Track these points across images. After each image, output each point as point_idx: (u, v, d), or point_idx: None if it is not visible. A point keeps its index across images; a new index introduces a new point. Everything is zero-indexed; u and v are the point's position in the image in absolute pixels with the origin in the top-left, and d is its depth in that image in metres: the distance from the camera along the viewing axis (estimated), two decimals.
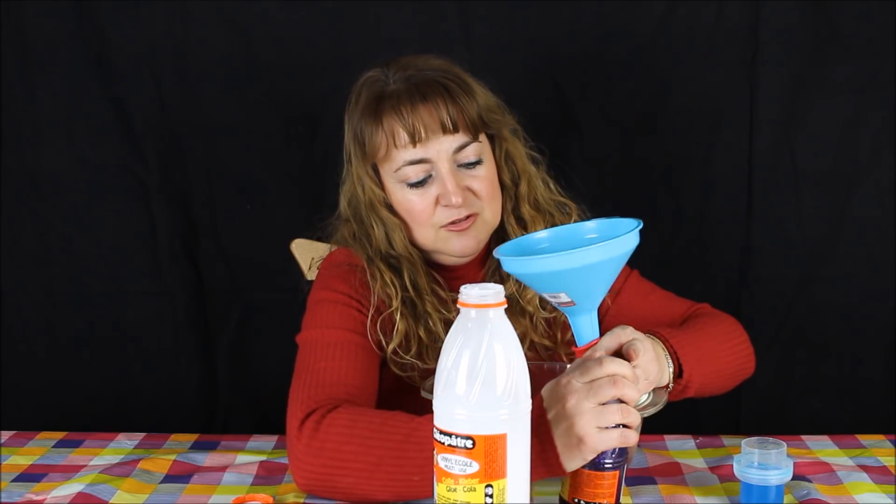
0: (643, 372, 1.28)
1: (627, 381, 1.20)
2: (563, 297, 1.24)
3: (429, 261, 1.60)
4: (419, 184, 1.51)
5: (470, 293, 1.14)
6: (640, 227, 1.26)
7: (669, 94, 2.10)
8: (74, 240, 2.15)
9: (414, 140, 1.49)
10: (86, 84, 2.10)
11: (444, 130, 1.49)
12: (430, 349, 1.53)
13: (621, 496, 1.25)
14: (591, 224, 1.33)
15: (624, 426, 1.20)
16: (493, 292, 1.14)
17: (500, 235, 1.59)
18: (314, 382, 1.39)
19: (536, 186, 1.61)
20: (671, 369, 1.40)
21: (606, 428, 1.19)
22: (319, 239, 1.77)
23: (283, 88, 2.11)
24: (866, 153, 2.09)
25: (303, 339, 1.49)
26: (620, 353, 1.28)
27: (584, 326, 1.27)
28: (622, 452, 1.23)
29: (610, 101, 2.11)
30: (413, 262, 1.55)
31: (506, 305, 1.15)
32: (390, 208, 1.56)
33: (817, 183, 2.10)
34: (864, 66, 2.06)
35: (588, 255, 1.19)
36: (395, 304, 1.51)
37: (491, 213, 1.55)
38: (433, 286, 1.56)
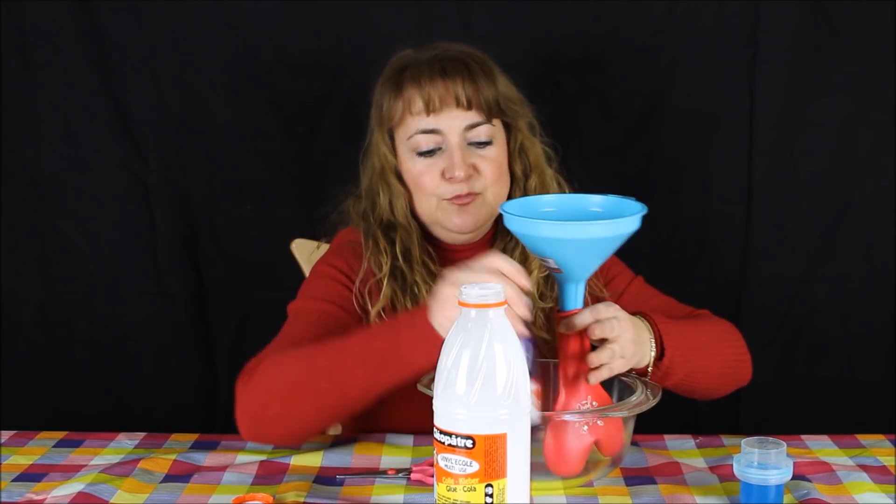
0: (619, 350, 1.33)
1: (503, 275, 1.24)
2: (552, 263, 1.29)
3: (429, 236, 1.62)
4: (428, 153, 1.56)
5: (470, 293, 1.14)
6: (643, 213, 1.31)
7: (669, 94, 2.10)
8: (74, 240, 2.16)
9: (428, 109, 1.54)
10: (86, 84, 2.10)
11: (458, 105, 1.54)
12: None
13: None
14: (599, 199, 1.38)
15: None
16: (493, 292, 1.14)
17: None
18: (276, 343, 1.49)
19: (548, 185, 1.63)
20: (653, 353, 1.43)
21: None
22: (319, 238, 1.77)
23: (283, 88, 2.11)
24: (866, 153, 2.09)
25: (289, 309, 1.56)
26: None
27: (569, 294, 1.33)
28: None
29: (610, 101, 2.12)
30: (409, 231, 1.59)
31: (506, 305, 1.16)
32: (399, 177, 1.60)
33: (817, 183, 2.10)
34: (864, 66, 2.06)
35: (577, 229, 1.25)
36: (385, 269, 1.56)
37: (493, 195, 1.58)
38: (424, 258, 1.59)
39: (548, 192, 1.61)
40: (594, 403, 1.36)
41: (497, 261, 1.27)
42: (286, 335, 1.51)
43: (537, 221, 1.28)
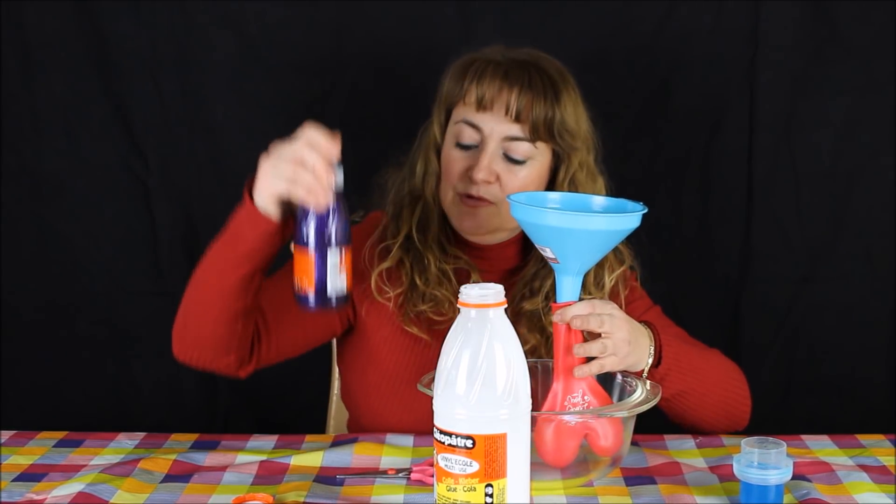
0: (612, 346, 1.36)
1: (313, 145, 1.29)
2: (549, 253, 1.34)
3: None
4: (465, 147, 1.57)
5: (470, 293, 1.15)
6: (642, 212, 1.35)
7: (669, 94, 2.10)
8: (74, 240, 2.16)
9: (479, 104, 1.54)
10: (86, 84, 2.10)
11: (506, 112, 1.53)
12: (416, 293, 1.58)
13: (329, 282, 1.29)
14: (601, 199, 1.44)
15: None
16: (494, 292, 1.15)
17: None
18: None
19: None
20: (650, 361, 1.45)
21: (281, 174, 1.30)
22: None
23: (283, 88, 2.11)
24: (866, 153, 2.09)
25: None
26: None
27: (565, 287, 1.36)
28: (323, 235, 1.29)
29: (610, 101, 2.11)
30: (432, 208, 1.61)
31: (505, 305, 1.16)
32: (439, 155, 1.61)
33: (817, 183, 2.10)
34: (864, 66, 2.06)
35: (576, 220, 1.31)
36: (400, 236, 1.59)
37: (507, 211, 1.55)
38: (441, 237, 1.62)
39: None
40: (587, 396, 1.37)
41: (309, 131, 1.31)
42: None
43: (540, 210, 1.34)
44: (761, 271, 2.13)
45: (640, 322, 1.46)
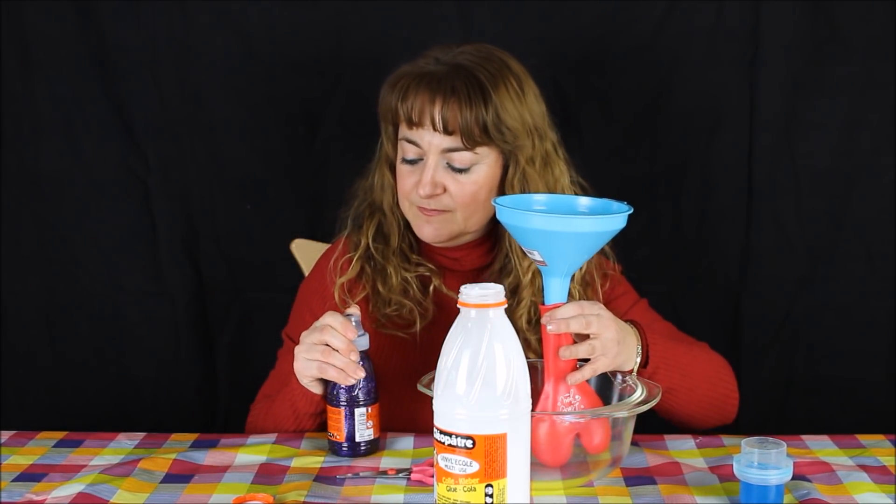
0: (600, 347, 1.37)
1: (332, 329, 1.42)
2: (537, 256, 1.35)
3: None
4: (411, 161, 1.58)
5: (470, 293, 1.15)
6: (627, 213, 1.35)
7: (669, 94, 2.10)
8: (74, 240, 2.15)
9: (408, 123, 1.55)
10: (86, 84, 2.10)
11: (435, 127, 1.53)
12: (379, 299, 1.63)
13: (357, 433, 1.47)
14: (587, 200, 1.44)
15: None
16: (494, 292, 1.15)
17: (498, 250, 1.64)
18: (267, 384, 1.72)
19: None
20: (638, 360, 1.46)
21: (312, 360, 1.44)
22: (320, 239, 1.77)
23: (283, 88, 2.11)
24: (866, 153, 2.09)
25: (282, 335, 1.73)
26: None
27: (553, 289, 1.37)
28: (352, 397, 1.46)
29: (610, 101, 2.11)
30: (391, 220, 1.64)
31: (505, 305, 1.16)
32: (392, 170, 1.63)
33: (817, 183, 2.10)
34: (864, 66, 2.06)
35: (562, 223, 1.32)
36: (360, 249, 1.63)
37: (464, 217, 1.58)
38: (403, 247, 1.65)
39: None
40: (577, 397, 1.37)
41: (328, 318, 1.44)
42: (270, 381, 1.72)
43: (527, 213, 1.34)
44: (761, 271, 2.13)
45: (625, 321, 1.47)
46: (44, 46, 2.09)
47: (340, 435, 1.48)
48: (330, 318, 1.44)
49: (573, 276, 1.54)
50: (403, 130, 1.57)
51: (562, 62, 2.09)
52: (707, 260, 2.15)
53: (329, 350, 1.43)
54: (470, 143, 1.53)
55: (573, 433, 1.34)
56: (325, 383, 1.50)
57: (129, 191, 2.14)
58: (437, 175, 1.55)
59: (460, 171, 1.55)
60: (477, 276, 1.64)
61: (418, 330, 1.60)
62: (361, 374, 1.45)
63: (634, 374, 1.46)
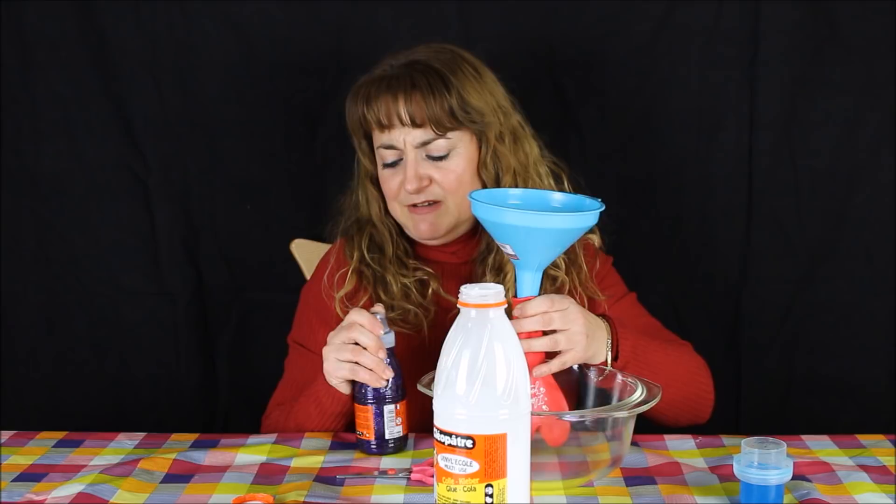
0: (565, 341, 1.40)
1: (360, 327, 1.44)
2: (509, 249, 1.38)
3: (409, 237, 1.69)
4: (392, 164, 1.61)
5: (470, 293, 1.15)
6: (599, 210, 1.38)
7: (669, 94, 2.10)
8: (74, 240, 2.15)
9: (381, 126, 1.58)
10: (86, 84, 2.10)
11: (403, 123, 1.57)
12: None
13: (387, 431, 1.48)
14: (560, 195, 1.47)
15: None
16: (494, 292, 1.15)
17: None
18: (279, 391, 1.71)
19: (537, 186, 1.64)
20: (609, 354, 1.49)
21: (344, 361, 1.46)
22: (319, 239, 1.78)
23: (283, 88, 2.11)
24: (866, 153, 2.09)
25: (288, 341, 1.73)
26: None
27: (525, 282, 1.40)
28: (380, 395, 1.47)
29: (610, 101, 2.11)
30: (382, 230, 1.66)
31: (505, 305, 1.16)
32: (374, 181, 1.66)
33: (817, 183, 2.10)
34: (864, 66, 2.06)
35: (533, 219, 1.34)
36: (353, 263, 1.65)
37: (455, 204, 1.61)
38: (398, 254, 1.67)
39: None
40: (542, 389, 1.40)
41: (355, 315, 1.46)
42: (282, 388, 1.71)
43: (500, 209, 1.36)
44: (761, 271, 2.13)
45: (598, 315, 1.50)
46: (44, 46, 2.09)
47: (370, 433, 1.48)
48: (357, 316, 1.46)
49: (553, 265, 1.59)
50: (377, 137, 1.61)
51: (562, 62, 2.09)
52: (707, 260, 2.15)
53: (359, 349, 1.45)
54: (441, 130, 1.57)
55: (535, 427, 1.35)
56: (354, 383, 1.51)
57: (129, 191, 2.14)
58: (420, 168, 1.59)
59: (440, 158, 1.59)
60: (474, 267, 1.66)
61: (426, 332, 1.61)
62: (391, 373, 1.47)
63: (609, 367, 1.48)
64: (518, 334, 1.36)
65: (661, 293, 2.10)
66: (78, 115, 2.11)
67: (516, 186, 1.62)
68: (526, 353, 1.37)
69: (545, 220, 1.35)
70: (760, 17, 2.05)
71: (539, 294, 1.41)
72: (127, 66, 2.09)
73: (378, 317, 1.49)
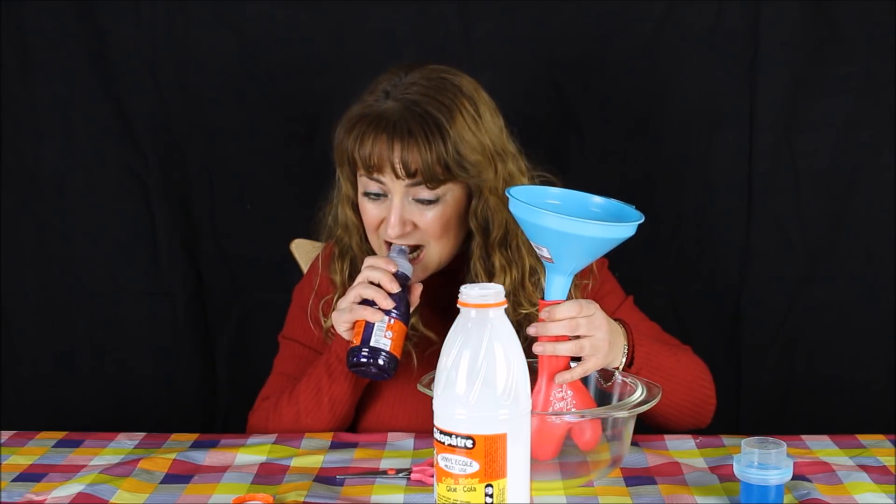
0: (589, 346, 1.38)
1: (373, 267, 1.48)
2: (545, 252, 1.35)
3: None
4: (375, 196, 1.54)
5: (470, 293, 1.15)
6: (639, 221, 1.36)
7: (669, 93, 2.10)
8: (74, 240, 2.16)
9: (367, 170, 1.51)
10: (86, 84, 2.10)
11: (396, 174, 1.49)
12: None
13: (373, 339, 1.47)
14: (600, 200, 1.44)
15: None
16: (494, 292, 1.15)
17: (460, 277, 1.59)
18: (269, 384, 1.72)
19: (524, 243, 1.58)
20: (623, 359, 1.47)
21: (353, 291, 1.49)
22: (319, 238, 1.77)
23: (283, 88, 2.11)
24: (866, 153, 2.09)
25: (279, 339, 1.73)
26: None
27: (555, 285, 1.38)
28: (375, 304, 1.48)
29: (610, 101, 2.11)
30: (359, 259, 1.60)
31: (505, 305, 1.16)
32: (354, 206, 1.60)
33: (817, 183, 2.10)
34: (864, 66, 2.06)
35: (576, 226, 1.31)
36: (337, 289, 1.63)
37: (437, 250, 1.55)
38: None
39: (519, 243, 1.59)
40: (570, 393, 1.38)
41: (370, 260, 1.50)
42: (269, 383, 1.71)
43: (542, 211, 1.32)
44: (761, 271, 2.13)
45: (614, 319, 1.48)
46: (44, 46, 2.09)
47: (358, 339, 1.47)
48: (372, 261, 1.51)
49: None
50: (363, 171, 1.53)
51: (562, 62, 2.10)
52: (707, 260, 2.15)
53: (369, 286, 1.49)
54: (433, 183, 1.50)
55: (565, 429, 1.35)
56: None
57: (129, 191, 2.14)
58: (406, 213, 1.52)
59: (429, 202, 1.52)
60: (456, 278, 1.59)
61: (413, 353, 1.59)
62: (396, 288, 1.47)
63: (618, 372, 1.47)
64: (544, 338, 1.38)
65: (661, 293, 2.10)
66: (78, 115, 2.12)
67: (505, 237, 1.57)
68: (550, 358, 1.38)
69: (587, 228, 1.31)
70: (760, 17, 2.05)
71: (567, 298, 1.38)
72: (127, 66, 2.10)
73: (396, 250, 1.51)
